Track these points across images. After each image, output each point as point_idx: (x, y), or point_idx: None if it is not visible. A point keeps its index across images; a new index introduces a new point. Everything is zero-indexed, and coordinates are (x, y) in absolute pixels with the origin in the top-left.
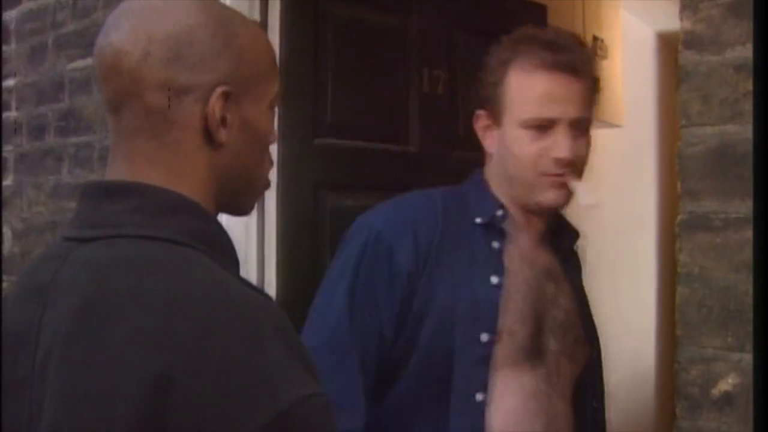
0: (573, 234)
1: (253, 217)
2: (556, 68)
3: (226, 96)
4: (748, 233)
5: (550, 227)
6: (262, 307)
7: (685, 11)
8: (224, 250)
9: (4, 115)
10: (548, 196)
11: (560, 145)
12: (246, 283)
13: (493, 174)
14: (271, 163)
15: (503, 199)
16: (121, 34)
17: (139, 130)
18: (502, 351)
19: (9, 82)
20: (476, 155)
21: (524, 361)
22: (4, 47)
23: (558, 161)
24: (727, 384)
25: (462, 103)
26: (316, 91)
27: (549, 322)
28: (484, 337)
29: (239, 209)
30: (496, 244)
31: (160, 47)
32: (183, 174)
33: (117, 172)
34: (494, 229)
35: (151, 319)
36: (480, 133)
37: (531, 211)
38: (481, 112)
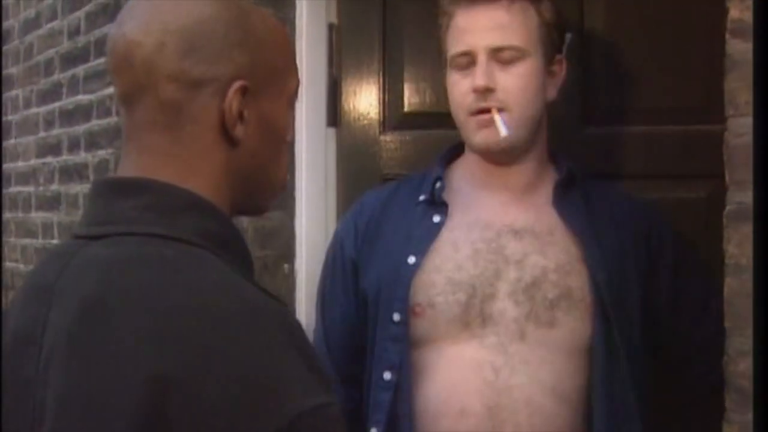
0: (577, 180)
1: None
2: (473, 1)
3: (243, 90)
4: None
5: (562, 181)
6: (275, 312)
7: None
8: (237, 252)
9: (106, 120)
10: (478, 138)
11: (476, 73)
12: (260, 288)
13: None
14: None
15: (470, 158)
16: (135, 25)
17: (153, 124)
18: (423, 326)
19: (110, 90)
20: None
21: (461, 333)
22: (102, 59)
23: (475, 91)
24: None
25: None
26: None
27: (508, 285)
28: (396, 316)
29: (255, 209)
30: (437, 218)
31: (175, 38)
32: (197, 171)
33: (129, 168)
34: (436, 202)
35: (155, 319)
36: None
37: (491, 160)
38: None
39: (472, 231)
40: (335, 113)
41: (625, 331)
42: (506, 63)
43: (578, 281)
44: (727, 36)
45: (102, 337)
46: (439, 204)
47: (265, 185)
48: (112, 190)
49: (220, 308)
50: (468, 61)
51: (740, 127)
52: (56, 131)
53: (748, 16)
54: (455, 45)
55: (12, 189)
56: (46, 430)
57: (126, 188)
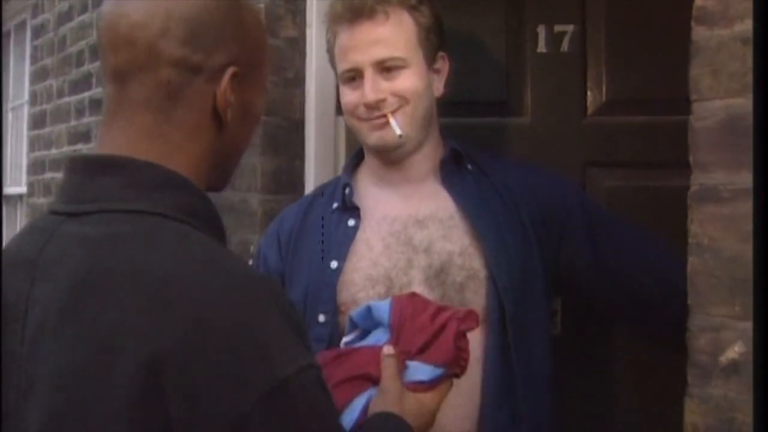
0: (467, 163)
1: None
2: (354, 18)
3: (235, 77)
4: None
5: (444, 168)
6: (261, 281)
7: None
8: (214, 226)
9: None
10: (374, 138)
11: (365, 89)
12: (239, 259)
13: None
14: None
15: (370, 160)
16: (138, 6)
17: (146, 104)
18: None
19: None
20: None
21: None
22: None
23: (366, 106)
24: (733, 352)
25: None
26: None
27: (421, 272)
28: (321, 317)
29: (219, 185)
30: (351, 222)
31: (179, 25)
32: (182, 150)
33: (110, 144)
34: (348, 207)
35: (145, 294)
36: None
37: (387, 159)
38: None
39: (382, 227)
40: None
41: (521, 301)
42: (391, 72)
43: (480, 261)
44: (693, 23)
45: (94, 313)
46: (351, 208)
47: (236, 163)
48: (90, 168)
49: (208, 280)
50: (355, 75)
51: (703, 111)
52: (86, 119)
53: (711, 3)
54: (342, 63)
55: (46, 175)
56: (38, 403)
57: (104, 166)
